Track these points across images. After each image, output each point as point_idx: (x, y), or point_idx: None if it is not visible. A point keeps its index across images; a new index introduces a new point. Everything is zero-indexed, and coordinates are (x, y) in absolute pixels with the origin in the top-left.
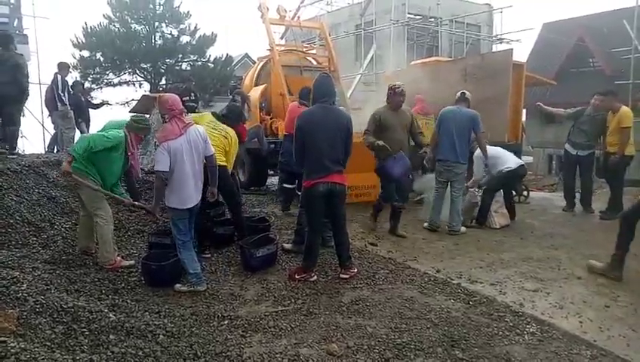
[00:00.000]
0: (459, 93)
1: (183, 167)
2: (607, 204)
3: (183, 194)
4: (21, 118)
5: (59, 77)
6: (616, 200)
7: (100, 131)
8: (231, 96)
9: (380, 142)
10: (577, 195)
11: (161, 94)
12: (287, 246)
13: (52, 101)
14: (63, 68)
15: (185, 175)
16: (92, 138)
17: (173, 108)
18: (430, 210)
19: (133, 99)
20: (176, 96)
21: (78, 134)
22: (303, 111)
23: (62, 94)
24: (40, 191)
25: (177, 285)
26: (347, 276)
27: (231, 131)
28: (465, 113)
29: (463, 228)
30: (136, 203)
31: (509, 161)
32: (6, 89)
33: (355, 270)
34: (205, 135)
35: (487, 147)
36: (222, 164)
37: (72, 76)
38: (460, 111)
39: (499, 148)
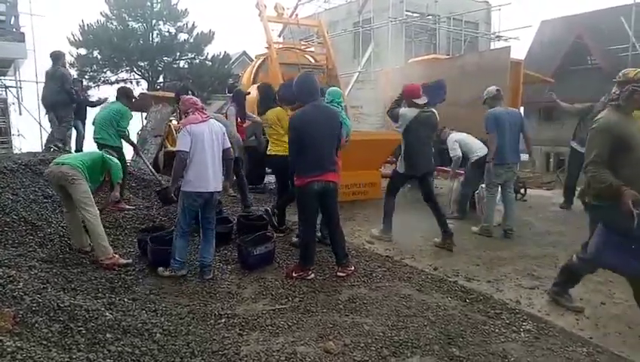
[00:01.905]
0: (495, 91)
1: (203, 152)
2: None
3: (199, 176)
4: (72, 119)
5: None
6: None
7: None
8: (229, 94)
9: (630, 193)
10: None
11: (183, 96)
12: (295, 239)
13: None
14: None
15: (204, 159)
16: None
17: (196, 104)
18: (488, 214)
19: None
20: None
21: (74, 133)
22: (296, 111)
23: None
24: (37, 189)
25: (160, 268)
26: (344, 274)
27: (271, 116)
28: (516, 113)
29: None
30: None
31: (478, 148)
32: (58, 97)
33: (352, 268)
34: (224, 129)
35: (456, 134)
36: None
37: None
38: (513, 112)
39: (463, 134)
